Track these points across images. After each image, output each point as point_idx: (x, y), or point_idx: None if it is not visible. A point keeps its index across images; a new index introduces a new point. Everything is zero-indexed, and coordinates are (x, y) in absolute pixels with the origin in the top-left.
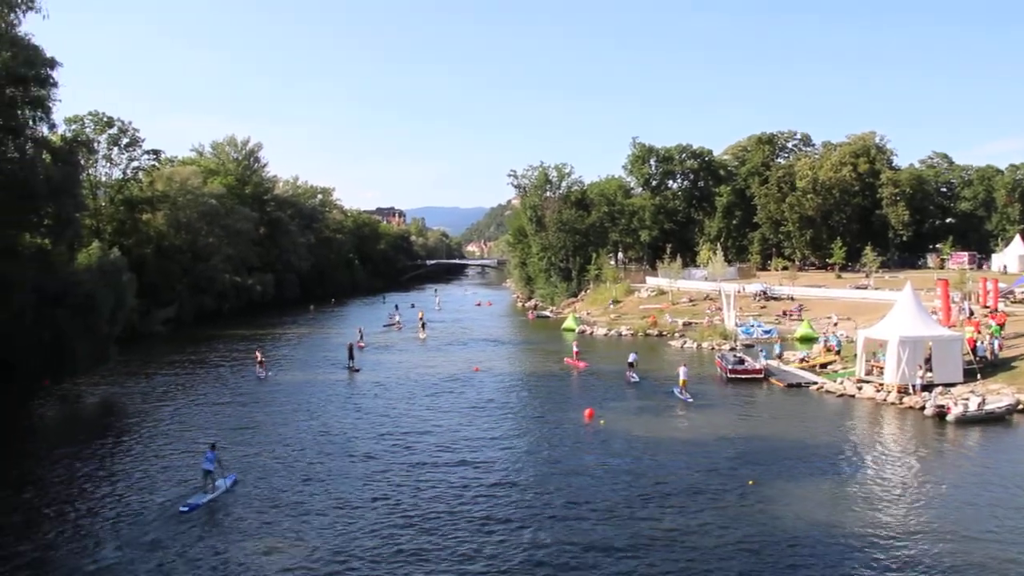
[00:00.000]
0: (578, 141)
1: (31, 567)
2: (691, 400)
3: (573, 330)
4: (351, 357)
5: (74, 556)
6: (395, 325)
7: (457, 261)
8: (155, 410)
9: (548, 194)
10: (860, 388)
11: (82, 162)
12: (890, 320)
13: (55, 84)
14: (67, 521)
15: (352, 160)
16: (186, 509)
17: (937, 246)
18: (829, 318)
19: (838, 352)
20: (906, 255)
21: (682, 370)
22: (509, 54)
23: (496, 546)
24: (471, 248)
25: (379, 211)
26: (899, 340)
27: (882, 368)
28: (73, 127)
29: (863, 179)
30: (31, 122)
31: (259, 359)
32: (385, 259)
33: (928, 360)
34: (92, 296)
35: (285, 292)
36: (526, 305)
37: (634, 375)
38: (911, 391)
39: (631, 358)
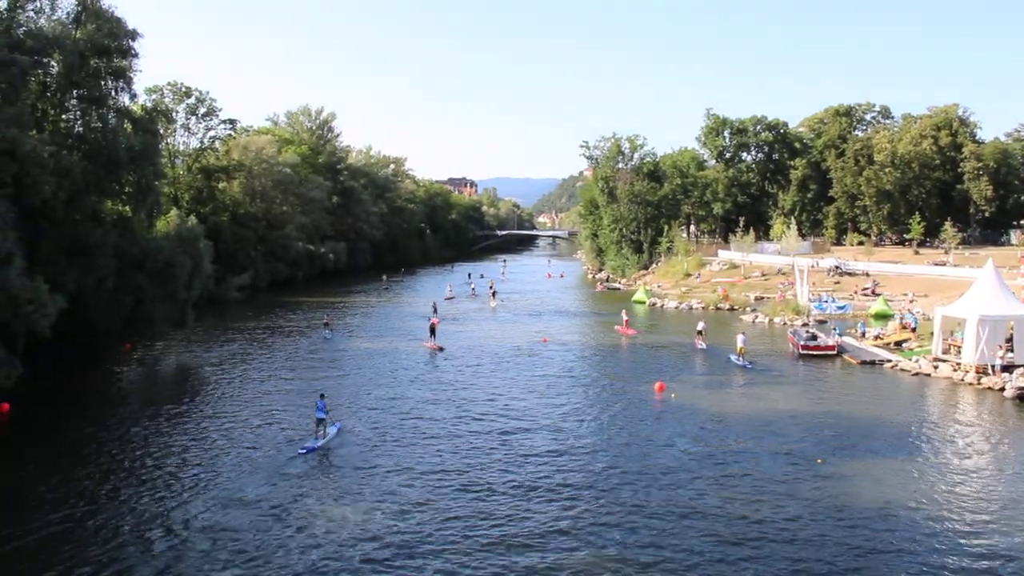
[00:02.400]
0: (652, 113)
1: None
2: (749, 366)
3: (643, 302)
4: (432, 334)
5: (194, 497)
6: (470, 293)
7: (528, 232)
8: (231, 373)
9: (620, 166)
10: (936, 367)
11: (161, 131)
12: (969, 298)
13: (136, 55)
14: (179, 467)
15: (425, 130)
16: (303, 451)
17: (1022, 222)
18: (905, 295)
19: (914, 330)
20: (988, 231)
21: (740, 337)
22: (585, 27)
23: (575, 519)
24: (542, 219)
25: (451, 181)
26: (979, 318)
27: (960, 347)
28: (153, 97)
29: (944, 152)
30: (113, 92)
31: (325, 320)
32: (456, 229)
33: (1010, 340)
34: (171, 262)
35: (358, 260)
36: (596, 277)
37: (702, 343)
38: (990, 371)
39: (700, 326)
